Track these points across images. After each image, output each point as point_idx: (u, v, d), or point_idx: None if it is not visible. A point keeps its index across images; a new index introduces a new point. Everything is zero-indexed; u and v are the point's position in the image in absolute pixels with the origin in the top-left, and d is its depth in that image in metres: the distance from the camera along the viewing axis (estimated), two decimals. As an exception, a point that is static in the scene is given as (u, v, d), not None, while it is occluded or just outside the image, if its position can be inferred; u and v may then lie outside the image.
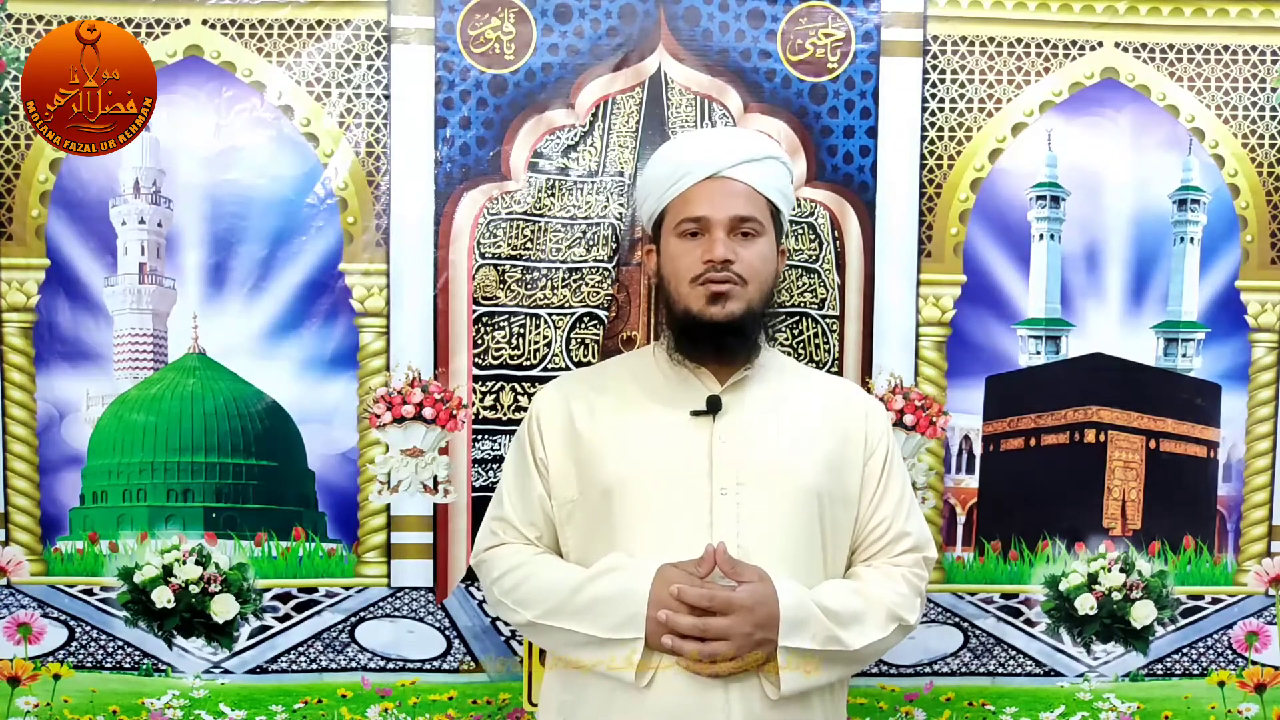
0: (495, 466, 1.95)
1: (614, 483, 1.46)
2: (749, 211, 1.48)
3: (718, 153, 1.50)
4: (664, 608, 1.33)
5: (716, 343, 1.48)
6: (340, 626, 1.97)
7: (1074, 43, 1.97)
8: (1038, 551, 2.03)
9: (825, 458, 1.49)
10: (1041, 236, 2.00)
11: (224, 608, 1.95)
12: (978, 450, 2.03)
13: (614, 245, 1.95)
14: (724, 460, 1.45)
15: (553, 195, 1.95)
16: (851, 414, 1.56)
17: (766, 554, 1.40)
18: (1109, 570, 2.02)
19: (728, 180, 1.48)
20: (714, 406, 1.47)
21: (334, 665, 1.97)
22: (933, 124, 1.97)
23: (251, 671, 1.96)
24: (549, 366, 1.95)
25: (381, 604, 1.98)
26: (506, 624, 1.93)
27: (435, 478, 1.97)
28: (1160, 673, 2.06)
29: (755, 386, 1.53)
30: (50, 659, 1.96)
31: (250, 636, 1.96)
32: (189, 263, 1.92)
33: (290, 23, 1.90)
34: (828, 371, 1.96)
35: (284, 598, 1.97)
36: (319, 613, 1.97)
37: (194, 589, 1.94)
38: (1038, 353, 2.01)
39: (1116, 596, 2.02)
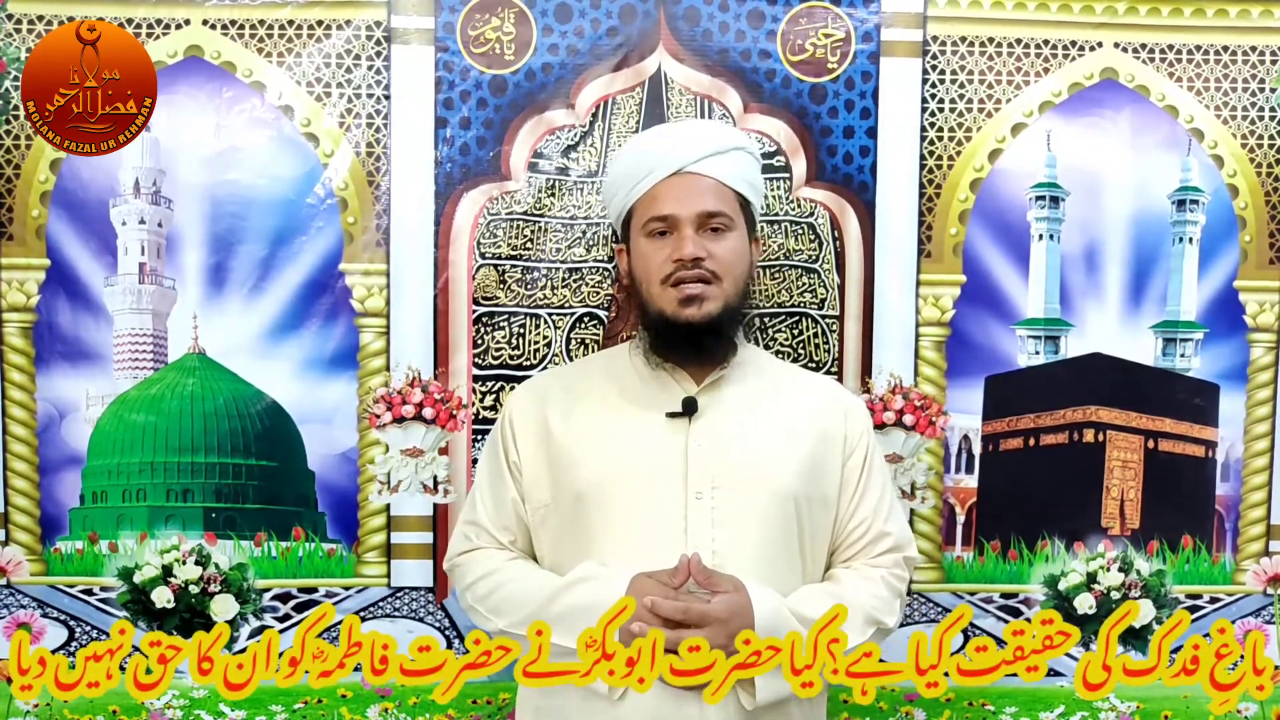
0: (495, 466, 1.95)
1: (587, 486, 1.45)
2: (717, 206, 1.45)
3: (682, 148, 1.48)
4: (637, 619, 1.32)
5: (694, 344, 1.46)
6: (340, 627, 1.97)
7: (1073, 43, 1.98)
8: (1037, 551, 2.04)
9: (804, 460, 1.48)
10: (1041, 237, 2.01)
11: (224, 608, 1.95)
12: (977, 450, 2.03)
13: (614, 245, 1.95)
14: (699, 464, 1.43)
15: (553, 195, 1.95)
16: (831, 414, 1.55)
17: (742, 559, 1.39)
18: (1108, 570, 2.03)
19: (693, 176, 1.46)
20: (690, 408, 1.46)
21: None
22: (932, 124, 1.97)
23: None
24: (549, 366, 1.95)
25: (381, 604, 1.98)
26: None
27: (435, 478, 1.97)
28: (1159, 672, 2.06)
29: (733, 386, 1.51)
30: (50, 659, 1.96)
31: (250, 637, 1.96)
32: (189, 263, 1.92)
33: (290, 23, 1.90)
34: (827, 372, 1.96)
35: (284, 598, 1.97)
36: (319, 613, 1.97)
37: (194, 589, 1.94)
38: (1037, 353, 2.02)
39: (1115, 596, 2.02)
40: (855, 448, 1.54)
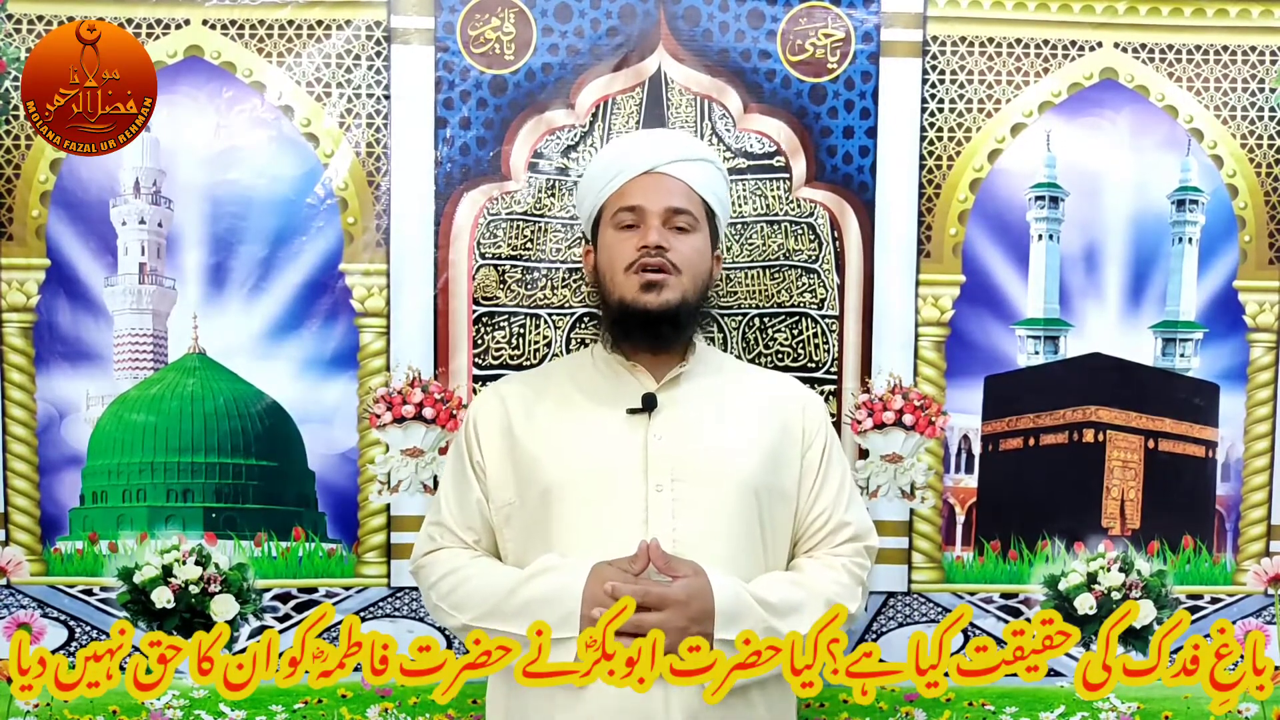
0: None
1: (551, 484, 1.47)
2: (683, 205, 1.52)
3: (654, 150, 1.55)
4: (598, 605, 1.35)
5: (652, 332, 1.50)
6: (340, 627, 1.97)
7: (1073, 43, 1.98)
8: (1037, 551, 2.04)
9: (763, 452, 1.51)
10: (1040, 237, 2.01)
11: (224, 608, 1.95)
12: (977, 450, 2.03)
13: (614, 245, 1.95)
14: (659, 457, 1.46)
15: (553, 195, 1.95)
16: (789, 408, 1.59)
17: (703, 549, 1.42)
18: (1108, 570, 2.03)
19: (664, 176, 1.53)
20: (649, 404, 1.49)
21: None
22: (932, 124, 1.97)
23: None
24: (549, 366, 1.95)
25: (381, 604, 1.98)
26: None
27: (435, 477, 1.97)
28: (1159, 672, 2.06)
29: (691, 383, 1.55)
30: (50, 659, 1.96)
31: (250, 637, 1.96)
32: (189, 263, 1.92)
33: (290, 23, 1.90)
34: (827, 372, 1.97)
35: (284, 598, 1.97)
36: (319, 613, 1.97)
37: (194, 589, 1.94)
38: (1036, 353, 2.02)
39: (1116, 596, 2.02)
40: (813, 440, 1.58)
